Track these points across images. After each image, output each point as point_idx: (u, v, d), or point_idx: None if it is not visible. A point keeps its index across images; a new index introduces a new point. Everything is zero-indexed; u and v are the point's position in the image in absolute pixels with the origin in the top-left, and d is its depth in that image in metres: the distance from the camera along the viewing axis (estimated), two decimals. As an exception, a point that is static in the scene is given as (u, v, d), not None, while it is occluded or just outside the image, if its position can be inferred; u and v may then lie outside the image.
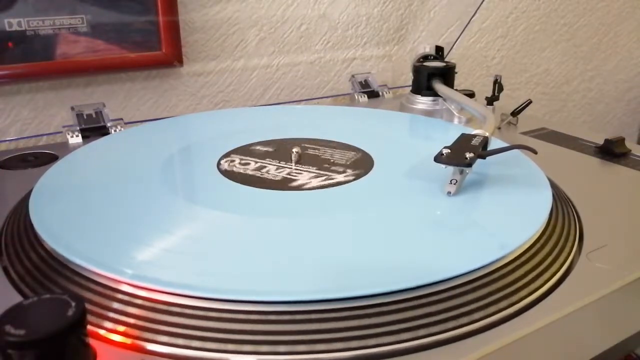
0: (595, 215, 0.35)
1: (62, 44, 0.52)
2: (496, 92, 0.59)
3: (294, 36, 0.66)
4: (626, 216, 0.36)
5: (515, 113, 0.55)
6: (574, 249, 0.32)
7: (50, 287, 0.27)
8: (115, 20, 0.54)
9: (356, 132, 0.48)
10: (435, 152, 0.36)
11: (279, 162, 0.41)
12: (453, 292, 0.26)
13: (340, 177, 0.38)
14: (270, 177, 0.38)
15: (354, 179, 0.37)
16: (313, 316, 0.24)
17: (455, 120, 0.56)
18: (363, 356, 0.23)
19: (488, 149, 0.39)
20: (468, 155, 0.35)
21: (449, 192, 0.35)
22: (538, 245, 0.30)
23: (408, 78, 0.70)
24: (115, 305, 0.25)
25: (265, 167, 0.40)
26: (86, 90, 0.56)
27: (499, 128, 0.54)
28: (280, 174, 0.38)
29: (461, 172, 0.35)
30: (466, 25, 0.68)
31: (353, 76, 0.67)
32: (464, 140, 0.38)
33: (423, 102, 0.60)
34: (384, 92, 0.66)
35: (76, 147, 0.46)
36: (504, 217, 0.33)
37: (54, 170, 0.39)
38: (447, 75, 0.60)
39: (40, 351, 0.19)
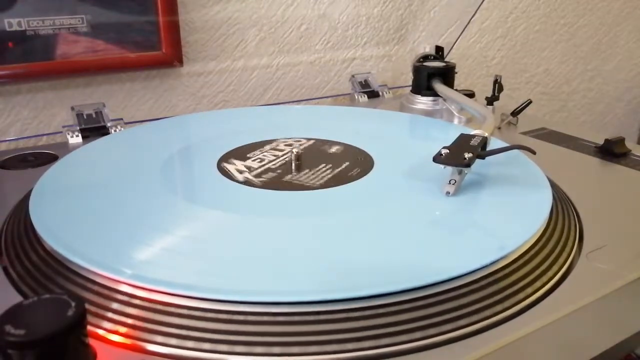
0: (595, 215, 0.35)
1: (62, 44, 0.52)
2: (496, 92, 0.59)
3: (294, 36, 0.66)
4: (626, 216, 0.36)
5: (515, 113, 0.55)
6: (574, 249, 0.32)
7: (50, 287, 0.27)
8: (115, 20, 0.54)
9: (356, 132, 0.48)
10: (435, 152, 0.36)
11: (278, 159, 0.41)
12: (453, 293, 0.26)
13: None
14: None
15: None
16: (313, 317, 0.24)
17: (455, 120, 0.56)
18: (363, 357, 0.23)
19: (487, 149, 0.39)
20: (467, 155, 0.35)
21: (447, 193, 0.35)
22: (538, 245, 0.30)
23: (408, 78, 0.70)
24: (115, 305, 0.25)
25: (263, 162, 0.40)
26: (86, 90, 0.56)
27: (499, 128, 0.54)
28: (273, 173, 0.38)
29: (460, 173, 0.35)
30: (466, 25, 0.68)
31: (353, 76, 0.67)
32: (463, 141, 0.38)
33: (423, 102, 0.60)
34: (384, 92, 0.66)
35: (76, 147, 0.46)
36: (504, 218, 0.33)
37: (54, 170, 0.39)
38: (447, 75, 0.60)
39: (40, 351, 0.19)
